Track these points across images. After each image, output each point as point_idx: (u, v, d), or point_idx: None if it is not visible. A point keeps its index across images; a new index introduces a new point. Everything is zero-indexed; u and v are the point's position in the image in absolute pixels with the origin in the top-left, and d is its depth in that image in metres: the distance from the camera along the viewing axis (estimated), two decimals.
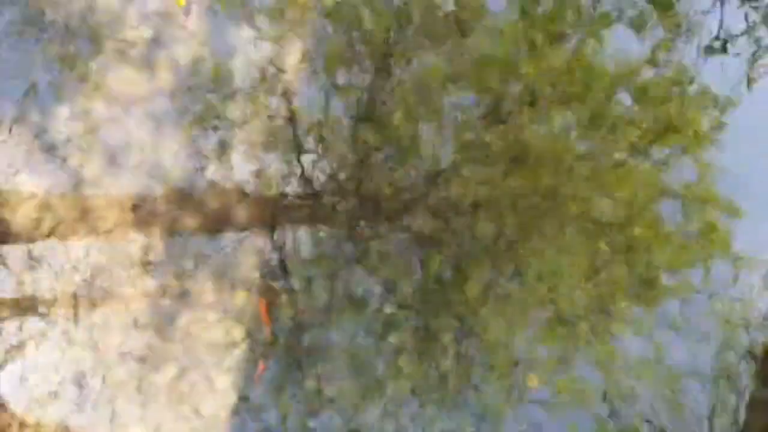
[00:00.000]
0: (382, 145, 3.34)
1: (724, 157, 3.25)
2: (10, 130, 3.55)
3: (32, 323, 3.42)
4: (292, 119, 3.41)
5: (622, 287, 3.09)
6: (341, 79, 3.44)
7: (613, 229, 3.13)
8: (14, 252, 3.47)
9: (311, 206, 3.34)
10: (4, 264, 3.44)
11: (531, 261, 3.13)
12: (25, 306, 3.43)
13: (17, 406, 3.37)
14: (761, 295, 3.18)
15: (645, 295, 3.10)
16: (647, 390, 3.08)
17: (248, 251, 3.34)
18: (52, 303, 3.41)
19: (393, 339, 3.18)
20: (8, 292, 3.42)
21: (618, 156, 3.26)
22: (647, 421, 3.05)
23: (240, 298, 3.31)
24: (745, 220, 3.22)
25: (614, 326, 3.07)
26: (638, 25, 3.28)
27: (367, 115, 3.36)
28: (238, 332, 3.29)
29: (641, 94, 3.28)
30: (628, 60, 3.35)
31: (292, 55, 3.48)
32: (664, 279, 3.13)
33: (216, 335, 3.29)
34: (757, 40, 3.29)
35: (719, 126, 3.24)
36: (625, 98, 3.35)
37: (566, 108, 3.29)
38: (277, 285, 3.29)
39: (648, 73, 3.35)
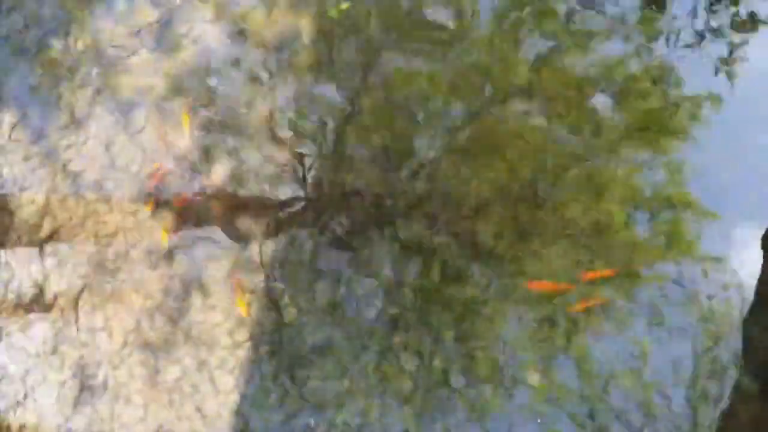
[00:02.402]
0: (373, 149, 3.42)
1: (701, 157, 3.35)
2: (10, 135, 3.58)
3: (32, 326, 3.43)
4: (284, 126, 3.48)
5: (613, 283, 3.20)
6: (330, 86, 3.51)
7: (603, 230, 3.25)
8: (14, 255, 3.49)
9: (310, 211, 3.41)
10: (4, 266, 3.46)
11: (528, 262, 3.23)
12: (25, 308, 3.44)
13: (15, 408, 3.38)
14: (737, 294, 3.24)
15: (623, 287, 3.20)
16: (626, 389, 3.15)
17: (249, 254, 3.40)
18: (52, 305, 3.43)
19: (392, 339, 3.25)
20: (8, 295, 3.44)
21: (602, 157, 3.34)
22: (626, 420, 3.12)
23: (242, 300, 3.36)
24: (720, 221, 3.29)
25: (597, 321, 3.17)
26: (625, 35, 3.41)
27: (359, 120, 3.44)
28: (241, 334, 3.33)
29: (624, 94, 3.37)
30: (608, 60, 3.45)
31: (283, 63, 3.55)
32: (641, 271, 3.22)
33: (219, 336, 3.33)
34: (731, 43, 3.44)
35: (698, 122, 3.35)
36: (603, 99, 3.43)
37: (552, 111, 3.38)
38: (277, 286, 3.35)
39: (629, 70, 3.44)
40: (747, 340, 3.14)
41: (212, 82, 3.57)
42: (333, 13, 3.51)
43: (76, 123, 3.56)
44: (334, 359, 3.26)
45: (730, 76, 3.42)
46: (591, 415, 3.12)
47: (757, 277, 3.21)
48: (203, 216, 3.44)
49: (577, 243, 3.26)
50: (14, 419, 3.34)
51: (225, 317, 3.35)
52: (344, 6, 3.50)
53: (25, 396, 3.36)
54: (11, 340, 3.40)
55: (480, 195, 3.34)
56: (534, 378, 3.14)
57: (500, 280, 3.24)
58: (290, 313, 3.32)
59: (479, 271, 3.26)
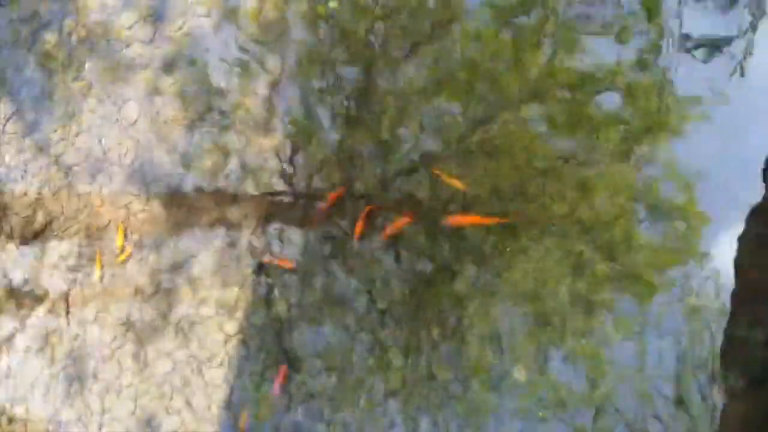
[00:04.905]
0: (366, 146, 3.41)
1: (695, 157, 3.31)
2: (3, 128, 3.59)
3: (23, 319, 3.44)
4: (276, 122, 3.47)
5: (606, 282, 3.18)
6: (322, 82, 3.50)
7: (596, 228, 3.23)
8: (6, 248, 3.50)
9: (300, 206, 3.40)
10: None
11: (517, 259, 3.22)
12: (15, 302, 3.45)
13: (5, 400, 3.39)
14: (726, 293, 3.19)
15: (632, 289, 3.16)
16: (616, 386, 3.13)
17: (239, 249, 3.39)
18: (43, 299, 3.44)
19: (381, 334, 3.24)
20: None
21: (599, 157, 3.31)
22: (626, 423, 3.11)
23: (231, 293, 3.36)
24: (716, 221, 3.26)
25: (596, 322, 3.15)
26: (624, 37, 3.37)
27: (351, 117, 3.43)
28: (230, 327, 3.33)
29: (628, 95, 3.33)
30: (609, 63, 3.40)
31: (275, 59, 3.54)
32: (651, 277, 3.18)
33: (209, 330, 3.33)
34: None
35: (701, 121, 3.30)
36: (607, 100, 3.39)
37: (545, 109, 3.36)
38: (267, 281, 3.35)
39: (632, 76, 3.39)
40: (732, 337, 3.11)
41: (205, 75, 3.56)
42: (321, 10, 3.50)
43: (69, 116, 3.56)
44: (323, 354, 3.26)
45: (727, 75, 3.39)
46: (580, 411, 3.11)
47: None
48: (194, 210, 3.44)
49: (567, 241, 3.24)
50: (5, 412, 3.35)
51: (215, 311, 3.35)
52: (333, 4, 3.49)
53: (16, 388, 3.37)
54: (2, 333, 3.42)
55: (471, 191, 3.32)
56: (522, 374, 3.13)
57: (488, 276, 3.23)
58: (280, 308, 3.32)
59: (468, 267, 3.25)
